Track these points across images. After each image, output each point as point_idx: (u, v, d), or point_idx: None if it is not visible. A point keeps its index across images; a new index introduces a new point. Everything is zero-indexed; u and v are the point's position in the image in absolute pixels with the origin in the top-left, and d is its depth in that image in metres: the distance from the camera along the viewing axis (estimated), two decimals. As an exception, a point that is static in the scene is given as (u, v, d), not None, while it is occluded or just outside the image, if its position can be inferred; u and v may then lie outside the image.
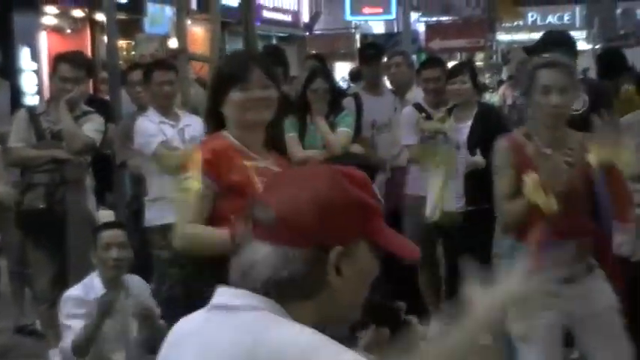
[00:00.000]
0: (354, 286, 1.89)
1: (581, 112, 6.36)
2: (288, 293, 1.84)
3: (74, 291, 5.35)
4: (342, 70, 20.12)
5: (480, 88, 9.52)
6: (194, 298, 3.84)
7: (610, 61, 8.31)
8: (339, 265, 1.85)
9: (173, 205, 4.03)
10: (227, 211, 3.71)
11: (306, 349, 1.75)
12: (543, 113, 4.33)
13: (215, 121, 3.91)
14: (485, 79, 35.11)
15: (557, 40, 6.57)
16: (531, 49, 6.61)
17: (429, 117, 7.01)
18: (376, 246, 1.91)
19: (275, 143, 3.99)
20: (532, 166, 4.22)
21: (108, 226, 5.69)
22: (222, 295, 1.90)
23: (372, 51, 8.38)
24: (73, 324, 5.18)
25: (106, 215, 7.54)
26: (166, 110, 6.58)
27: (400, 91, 7.91)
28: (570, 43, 6.73)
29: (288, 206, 1.83)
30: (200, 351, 1.86)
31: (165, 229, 5.17)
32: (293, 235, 1.83)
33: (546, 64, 4.34)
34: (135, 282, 5.52)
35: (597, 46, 24.14)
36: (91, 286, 5.32)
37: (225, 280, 1.90)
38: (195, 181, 3.75)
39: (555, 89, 4.27)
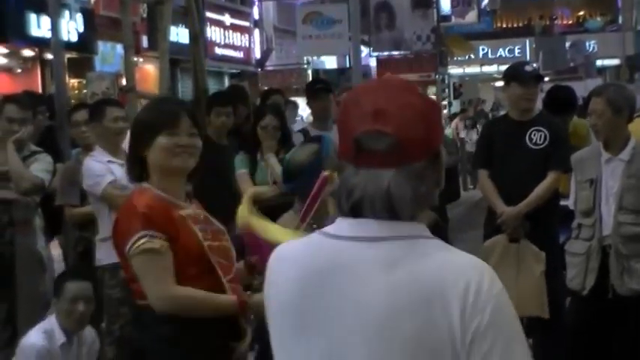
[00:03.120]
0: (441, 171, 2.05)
1: (542, 147, 6.47)
2: (423, 206, 1.96)
3: (37, 340, 5.23)
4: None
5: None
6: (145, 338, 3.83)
7: (559, 97, 8.36)
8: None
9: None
10: (174, 266, 3.61)
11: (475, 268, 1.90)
12: None
13: (138, 167, 3.79)
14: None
15: (538, 74, 6.84)
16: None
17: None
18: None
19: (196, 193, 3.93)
20: None
21: (75, 276, 5.60)
22: (361, 225, 1.93)
23: (318, 86, 8.42)
24: None
25: (55, 255, 7.46)
26: (115, 149, 6.26)
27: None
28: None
29: (402, 129, 1.92)
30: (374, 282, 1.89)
31: (116, 269, 5.09)
32: (415, 153, 1.93)
33: None
34: (86, 330, 5.49)
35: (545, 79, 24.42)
36: (52, 335, 5.26)
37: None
38: (154, 239, 3.57)
39: None
